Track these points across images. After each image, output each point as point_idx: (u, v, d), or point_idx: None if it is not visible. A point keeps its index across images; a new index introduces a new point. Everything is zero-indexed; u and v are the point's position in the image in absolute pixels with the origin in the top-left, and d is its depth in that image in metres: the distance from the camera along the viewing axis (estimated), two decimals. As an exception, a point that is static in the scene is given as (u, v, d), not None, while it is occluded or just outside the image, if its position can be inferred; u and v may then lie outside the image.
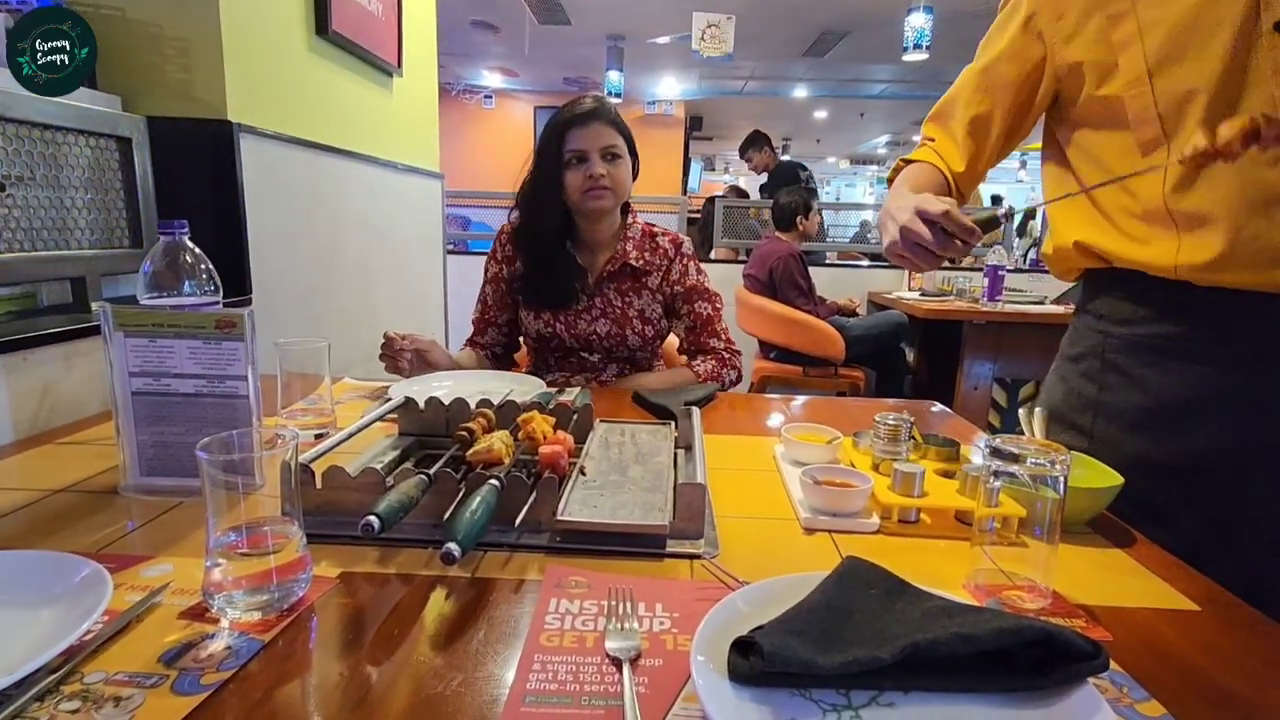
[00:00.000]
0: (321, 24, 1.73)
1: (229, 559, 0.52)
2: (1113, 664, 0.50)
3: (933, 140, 1.03)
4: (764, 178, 5.09)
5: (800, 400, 1.32)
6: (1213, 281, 0.78)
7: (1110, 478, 0.74)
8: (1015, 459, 0.58)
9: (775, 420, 1.14)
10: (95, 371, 1.11)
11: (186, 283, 0.83)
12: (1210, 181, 0.76)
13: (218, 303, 0.85)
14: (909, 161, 1.04)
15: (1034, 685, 0.44)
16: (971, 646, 0.44)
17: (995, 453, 0.59)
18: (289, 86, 1.65)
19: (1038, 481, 0.58)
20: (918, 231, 0.80)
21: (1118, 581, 0.64)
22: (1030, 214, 4.86)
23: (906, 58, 5.07)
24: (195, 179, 1.36)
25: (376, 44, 2.02)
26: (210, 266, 0.85)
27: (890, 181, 1.04)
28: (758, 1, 5.24)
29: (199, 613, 0.53)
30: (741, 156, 5.04)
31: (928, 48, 4.93)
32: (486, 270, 1.47)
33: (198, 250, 0.84)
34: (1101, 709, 0.41)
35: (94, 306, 1.12)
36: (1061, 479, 0.57)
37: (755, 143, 4.90)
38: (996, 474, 0.60)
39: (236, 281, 1.42)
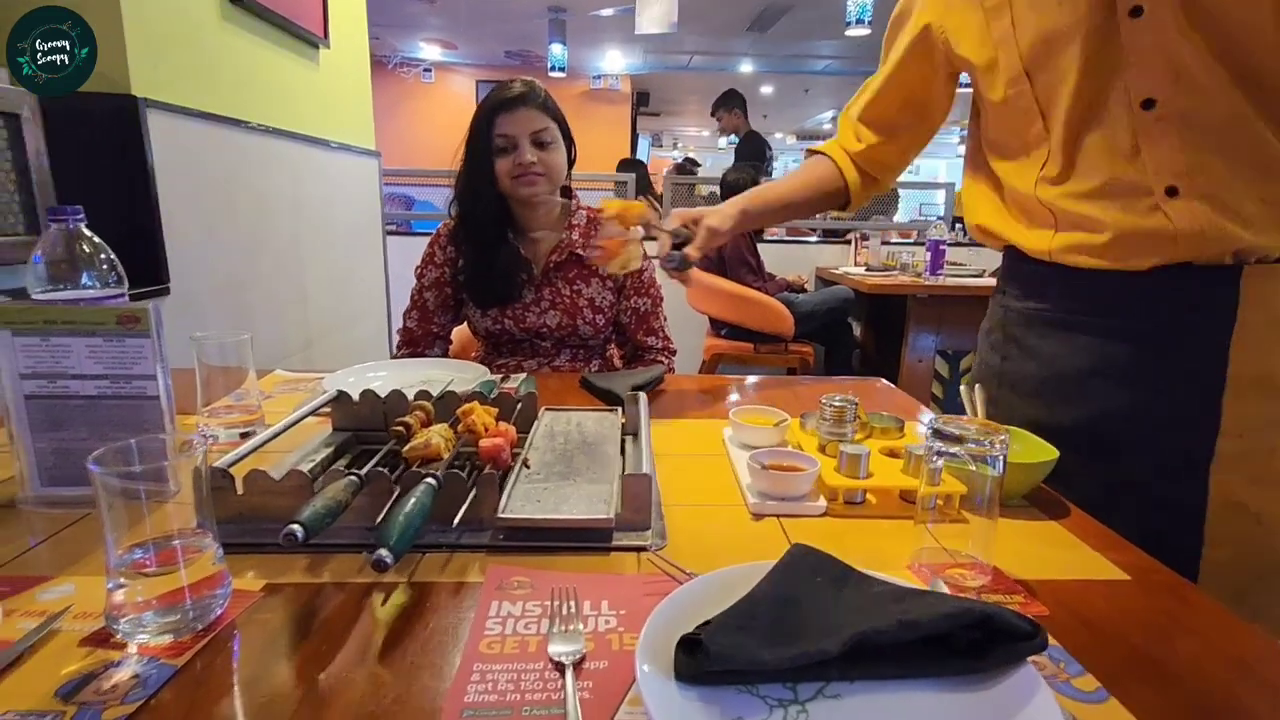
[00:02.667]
0: (236, -9, 1.61)
1: (134, 579, 0.48)
2: (1050, 639, 0.51)
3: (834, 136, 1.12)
4: (731, 141, 5.02)
5: (748, 381, 1.31)
6: (1082, 264, 0.82)
7: (1046, 452, 0.76)
8: (958, 440, 0.58)
9: (723, 402, 1.14)
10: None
11: (85, 274, 0.76)
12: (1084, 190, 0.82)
13: (122, 295, 0.79)
14: (813, 152, 1.12)
15: (973, 668, 0.44)
16: (915, 633, 0.44)
17: (938, 434, 0.59)
18: (201, 59, 1.54)
19: (978, 460, 0.59)
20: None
21: (1053, 555, 0.65)
22: None
23: (849, 32, 5.10)
24: (98, 159, 1.26)
25: (299, 13, 1.90)
26: (112, 256, 0.78)
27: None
28: (701, -26, 5.17)
29: (103, 638, 0.49)
30: (712, 114, 4.95)
31: (870, 22, 4.95)
32: (423, 277, 1.40)
33: (96, 239, 0.77)
34: (1040, 688, 0.42)
35: (-15, 301, 1.02)
36: (1001, 458, 0.58)
37: (727, 102, 4.78)
38: (939, 454, 0.60)
39: (150, 271, 1.33)
